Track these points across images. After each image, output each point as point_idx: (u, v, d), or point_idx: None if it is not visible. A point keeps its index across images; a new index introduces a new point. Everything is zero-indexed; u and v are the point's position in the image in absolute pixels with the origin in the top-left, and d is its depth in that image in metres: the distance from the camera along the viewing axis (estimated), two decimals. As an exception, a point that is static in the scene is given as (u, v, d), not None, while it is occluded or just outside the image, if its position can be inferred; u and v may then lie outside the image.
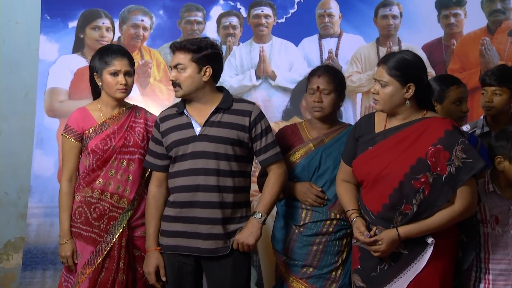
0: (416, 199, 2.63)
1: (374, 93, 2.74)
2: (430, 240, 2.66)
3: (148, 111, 3.30)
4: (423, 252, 2.67)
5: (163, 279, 3.01)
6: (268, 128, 3.02)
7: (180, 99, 3.05)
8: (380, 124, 2.81)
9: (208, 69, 2.95)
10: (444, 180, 2.61)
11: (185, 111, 2.99)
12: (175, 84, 2.98)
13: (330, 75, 3.12)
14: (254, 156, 3.06)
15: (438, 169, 2.62)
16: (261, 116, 3.01)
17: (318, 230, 3.06)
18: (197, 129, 2.96)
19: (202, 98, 2.98)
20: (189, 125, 2.97)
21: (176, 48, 2.98)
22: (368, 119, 2.89)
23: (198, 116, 2.98)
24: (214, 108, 2.96)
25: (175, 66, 2.97)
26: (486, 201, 2.87)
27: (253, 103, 3.05)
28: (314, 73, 3.17)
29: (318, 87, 3.10)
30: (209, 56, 2.95)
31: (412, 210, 2.64)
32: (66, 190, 3.12)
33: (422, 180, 2.62)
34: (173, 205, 2.99)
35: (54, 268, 4.19)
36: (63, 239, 3.11)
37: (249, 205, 3.05)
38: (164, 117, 3.05)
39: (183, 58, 2.95)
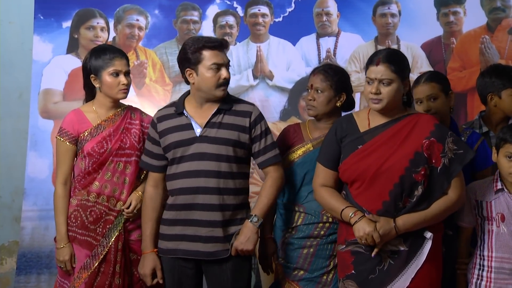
0: (418, 191, 2.66)
1: (375, 93, 2.72)
2: (428, 234, 2.69)
3: (143, 112, 3.26)
4: (421, 247, 2.69)
5: (160, 281, 2.98)
6: (268, 130, 2.99)
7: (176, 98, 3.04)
8: (363, 123, 2.82)
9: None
10: (439, 172, 2.69)
11: (184, 111, 2.94)
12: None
13: (326, 73, 3.08)
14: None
15: (433, 161, 2.69)
16: (261, 117, 2.99)
17: (309, 233, 3.03)
18: (198, 130, 2.92)
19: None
20: (189, 126, 2.93)
21: None
22: (348, 120, 2.87)
23: (198, 117, 2.94)
24: (216, 109, 2.92)
25: None
26: (493, 198, 2.87)
27: (253, 104, 3.03)
28: (312, 71, 3.15)
29: (312, 85, 3.08)
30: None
31: (411, 202, 2.67)
32: (62, 193, 3.08)
33: (422, 172, 2.67)
34: (172, 208, 2.96)
35: (49, 272, 4.15)
36: (60, 243, 3.06)
37: (248, 206, 3.02)
38: (162, 117, 3.00)
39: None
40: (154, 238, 2.99)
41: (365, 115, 2.82)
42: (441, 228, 2.81)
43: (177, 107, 2.97)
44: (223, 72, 2.89)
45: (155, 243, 2.99)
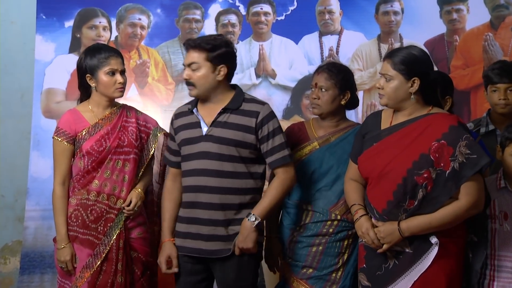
0: (419, 194, 2.61)
1: (379, 88, 2.74)
2: (434, 240, 2.63)
3: (138, 110, 3.26)
4: (427, 252, 2.65)
5: (175, 270, 2.96)
6: (277, 130, 2.92)
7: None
8: (387, 120, 2.80)
9: (222, 69, 2.89)
10: (447, 176, 2.60)
11: (194, 110, 2.95)
12: (189, 83, 2.92)
13: (330, 71, 3.07)
14: None
15: (442, 164, 2.60)
16: (269, 117, 2.92)
17: (318, 231, 3.03)
18: (204, 129, 2.92)
19: (215, 97, 2.94)
20: (198, 125, 2.94)
21: (190, 46, 2.90)
22: (374, 116, 2.88)
23: (207, 116, 2.94)
24: (221, 109, 2.91)
25: (189, 65, 2.90)
26: (496, 197, 2.86)
27: (264, 103, 2.97)
28: (316, 69, 3.14)
29: (316, 83, 3.08)
30: (224, 55, 2.89)
31: (414, 205, 2.63)
32: (60, 193, 3.08)
33: (425, 175, 2.61)
34: (182, 205, 2.99)
35: (53, 272, 4.13)
36: (61, 244, 3.06)
37: None
38: (179, 114, 3.04)
39: (197, 56, 2.87)
40: (171, 227, 2.99)
41: (391, 112, 2.80)
42: (462, 235, 2.74)
43: (191, 105, 2.99)
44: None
45: (173, 232, 2.99)
